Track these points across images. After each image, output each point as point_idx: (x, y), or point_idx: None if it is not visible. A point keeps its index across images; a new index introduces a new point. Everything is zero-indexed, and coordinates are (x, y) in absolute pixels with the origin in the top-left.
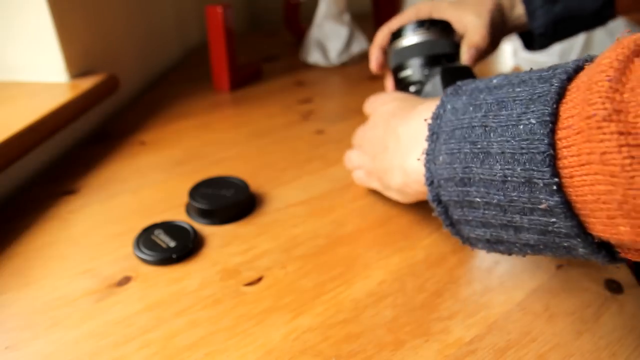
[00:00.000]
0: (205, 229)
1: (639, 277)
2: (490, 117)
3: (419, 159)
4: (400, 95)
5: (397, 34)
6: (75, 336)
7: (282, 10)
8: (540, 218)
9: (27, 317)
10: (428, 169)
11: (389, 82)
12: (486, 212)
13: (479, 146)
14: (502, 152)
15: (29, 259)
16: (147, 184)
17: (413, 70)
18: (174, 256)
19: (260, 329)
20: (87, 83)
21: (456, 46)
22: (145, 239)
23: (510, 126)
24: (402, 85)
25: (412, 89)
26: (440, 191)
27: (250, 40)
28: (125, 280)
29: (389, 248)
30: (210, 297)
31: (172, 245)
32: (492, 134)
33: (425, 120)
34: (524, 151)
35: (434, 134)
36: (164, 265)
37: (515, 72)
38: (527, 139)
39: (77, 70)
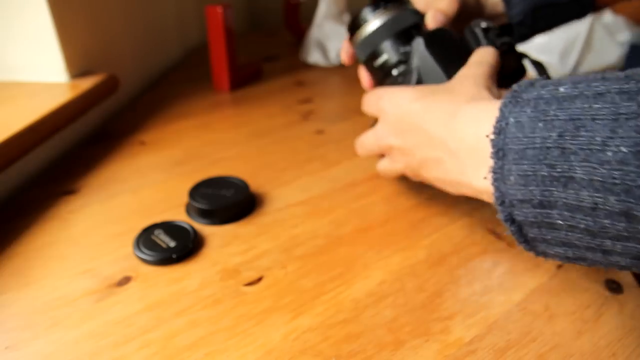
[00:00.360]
0: (205, 229)
1: (639, 277)
2: (567, 137)
3: (485, 178)
4: (410, 93)
5: (356, 25)
6: (75, 336)
7: (282, 11)
8: (638, 245)
9: (27, 317)
10: (497, 189)
11: (364, 76)
12: (570, 234)
13: (558, 170)
14: (590, 180)
15: (29, 259)
16: (147, 184)
17: (388, 53)
18: (174, 256)
19: (260, 329)
20: (87, 83)
21: (421, 15)
22: (145, 239)
23: (595, 151)
24: (381, 72)
25: (395, 72)
26: (513, 211)
27: (250, 40)
28: (125, 280)
29: (389, 248)
30: (210, 297)
31: (172, 245)
32: (572, 157)
33: (487, 136)
34: (616, 181)
35: (499, 151)
36: (164, 265)
37: (583, 77)
38: (618, 169)
39: (77, 70)
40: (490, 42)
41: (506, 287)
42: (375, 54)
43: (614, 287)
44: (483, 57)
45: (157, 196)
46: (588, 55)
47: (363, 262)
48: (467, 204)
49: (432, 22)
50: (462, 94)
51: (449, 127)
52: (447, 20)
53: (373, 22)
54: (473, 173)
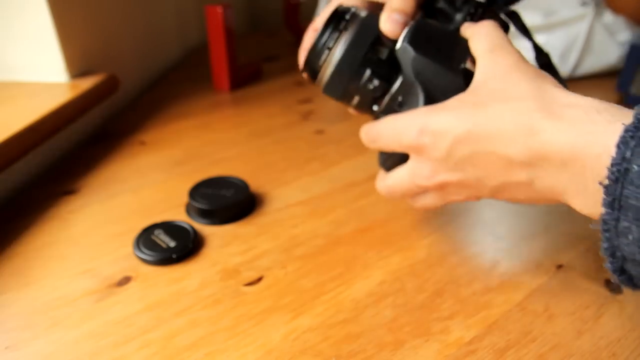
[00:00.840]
0: (205, 229)
1: None
2: None
3: (592, 224)
4: (449, 115)
5: (313, 60)
6: (75, 336)
7: (282, 11)
8: None
9: (27, 317)
10: (608, 240)
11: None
12: None
13: None
14: None
15: (29, 259)
16: (147, 184)
17: (371, 82)
18: (174, 256)
19: (260, 329)
20: (87, 83)
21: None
22: (145, 239)
23: None
24: (367, 102)
25: (387, 97)
26: (626, 265)
27: (250, 40)
28: (125, 280)
29: (389, 248)
30: (210, 297)
31: (172, 245)
32: None
33: (601, 183)
34: None
35: (614, 201)
36: (164, 265)
37: None
38: None
39: (77, 70)
40: (465, 13)
41: (506, 287)
42: (352, 88)
43: (614, 287)
44: (496, 38)
45: (157, 196)
46: (588, 55)
47: (363, 262)
48: (466, 204)
49: (388, 29)
50: (522, 99)
51: (532, 147)
52: (408, 20)
53: (337, 52)
54: (576, 199)
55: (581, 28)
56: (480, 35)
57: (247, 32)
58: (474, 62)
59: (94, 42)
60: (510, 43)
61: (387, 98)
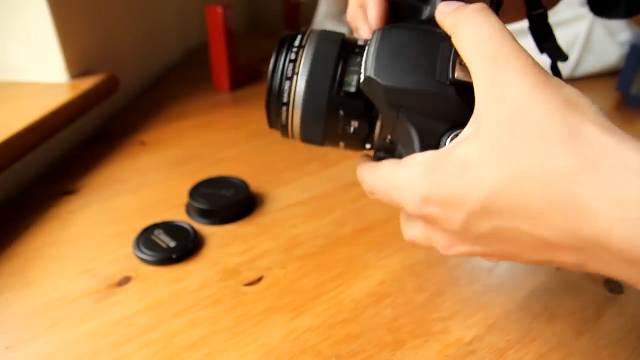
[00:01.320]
0: (205, 229)
1: None
2: None
3: None
4: (464, 180)
5: (274, 118)
6: (75, 336)
7: (282, 11)
8: None
9: (27, 317)
10: None
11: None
12: None
13: None
14: None
15: (29, 259)
16: (147, 184)
17: (349, 124)
18: (174, 256)
19: (260, 329)
20: (87, 83)
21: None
22: (145, 239)
23: None
24: (355, 144)
25: (375, 135)
26: None
27: (250, 40)
28: (125, 280)
29: (389, 248)
30: (210, 297)
31: (172, 245)
32: None
33: None
34: None
35: None
36: (164, 265)
37: None
38: None
39: (77, 70)
40: None
41: (506, 287)
42: (330, 141)
43: (614, 287)
44: (494, 36)
45: (157, 196)
46: (588, 55)
47: (363, 262)
48: None
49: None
50: (552, 157)
51: (578, 235)
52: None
53: (299, 83)
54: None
55: (581, 28)
56: (469, 33)
57: (247, 32)
58: (460, 63)
59: (94, 42)
60: (514, 39)
61: (375, 136)
